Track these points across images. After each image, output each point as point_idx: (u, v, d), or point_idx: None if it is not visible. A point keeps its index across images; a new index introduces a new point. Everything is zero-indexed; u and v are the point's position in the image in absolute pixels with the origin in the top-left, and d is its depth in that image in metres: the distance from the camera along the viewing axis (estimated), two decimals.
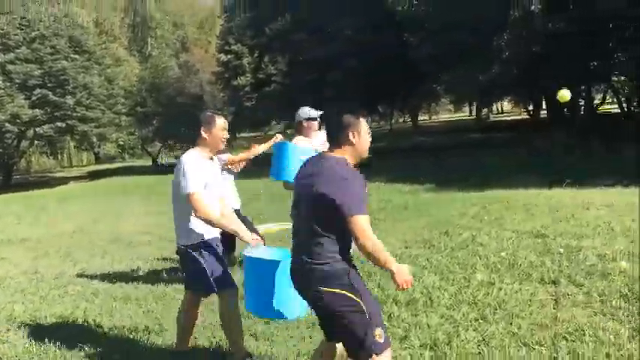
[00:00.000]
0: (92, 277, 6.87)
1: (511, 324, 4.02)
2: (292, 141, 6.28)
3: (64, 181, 30.21)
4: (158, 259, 7.65)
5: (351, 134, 2.88)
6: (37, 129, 24.77)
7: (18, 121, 23.34)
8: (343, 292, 2.78)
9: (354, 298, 2.79)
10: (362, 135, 2.90)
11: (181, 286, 4.82)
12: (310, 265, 2.81)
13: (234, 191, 6.44)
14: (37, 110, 23.97)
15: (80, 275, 7.04)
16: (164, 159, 35.73)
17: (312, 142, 6.21)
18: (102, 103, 26.77)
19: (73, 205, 16.96)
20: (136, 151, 41.46)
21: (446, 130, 34.59)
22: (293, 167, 5.09)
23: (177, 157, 5.67)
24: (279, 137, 5.98)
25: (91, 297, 5.94)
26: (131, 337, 4.59)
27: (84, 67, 25.63)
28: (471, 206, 8.90)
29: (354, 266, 2.87)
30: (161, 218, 10.90)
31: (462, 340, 3.83)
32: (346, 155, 2.89)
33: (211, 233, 3.76)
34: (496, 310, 4.31)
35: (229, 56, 29.31)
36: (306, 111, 6.21)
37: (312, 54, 22.37)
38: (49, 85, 24.25)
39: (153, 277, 6.56)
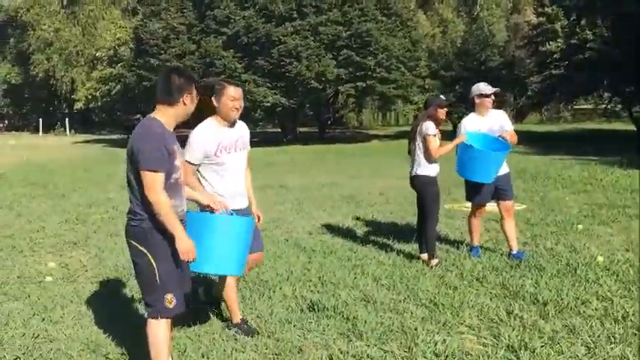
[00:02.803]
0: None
1: None
2: (463, 119, 5.97)
3: (370, 138, 32.85)
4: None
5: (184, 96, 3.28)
6: (340, 87, 27.15)
7: (323, 79, 25.96)
8: (141, 248, 3.22)
9: (150, 258, 3.20)
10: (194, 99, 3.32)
11: None
12: (127, 220, 3.29)
13: None
14: (341, 70, 26.32)
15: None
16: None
17: (485, 121, 5.77)
18: (403, 65, 27.92)
19: (351, 160, 18.46)
20: None
21: None
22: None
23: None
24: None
25: None
26: None
27: (388, 30, 27.01)
28: None
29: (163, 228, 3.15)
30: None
31: None
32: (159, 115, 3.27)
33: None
34: None
35: (541, 18, 27.50)
36: (480, 87, 5.80)
37: None
38: (353, 46, 26.31)
39: None
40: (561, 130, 32.51)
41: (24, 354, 3.91)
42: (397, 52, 27.20)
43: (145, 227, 3.21)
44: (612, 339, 3.79)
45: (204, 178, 4.05)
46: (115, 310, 4.70)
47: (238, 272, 3.74)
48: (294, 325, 4.23)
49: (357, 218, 8.38)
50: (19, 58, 50.36)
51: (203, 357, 3.79)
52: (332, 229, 7.70)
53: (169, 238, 3.19)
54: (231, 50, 26.63)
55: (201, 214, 3.73)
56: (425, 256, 5.78)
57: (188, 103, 3.31)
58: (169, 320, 3.33)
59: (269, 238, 7.19)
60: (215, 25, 27.10)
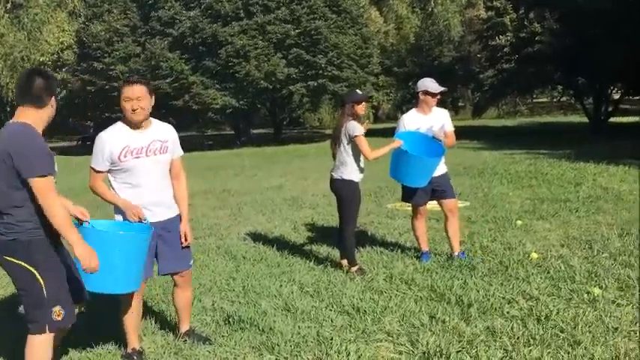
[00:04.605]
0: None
1: None
2: (404, 115, 5.87)
3: (327, 137, 32.75)
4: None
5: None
6: (291, 87, 27.02)
7: (273, 79, 25.79)
8: (22, 264, 3.04)
9: (34, 273, 3.05)
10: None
11: None
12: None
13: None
14: (292, 69, 26.20)
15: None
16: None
17: (426, 119, 5.67)
18: (354, 62, 27.94)
19: (304, 162, 18.32)
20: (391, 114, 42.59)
21: None
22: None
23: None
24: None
25: None
26: None
27: (338, 27, 27.00)
28: None
29: (46, 236, 3.06)
30: None
31: None
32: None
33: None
34: None
35: (490, 12, 27.89)
36: (427, 83, 5.69)
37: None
38: (303, 44, 26.22)
39: None
40: (517, 125, 33.02)
41: None
42: (348, 50, 27.22)
43: (23, 240, 3.04)
44: (532, 340, 3.72)
45: (113, 188, 3.76)
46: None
47: (123, 290, 3.51)
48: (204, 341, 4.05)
49: (296, 222, 8.23)
50: None
51: None
52: (267, 234, 7.54)
53: (54, 247, 3.10)
54: (178, 52, 26.28)
55: (82, 227, 3.37)
56: (345, 262, 5.63)
57: (54, 106, 3.21)
58: (51, 337, 3.14)
59: (200, 247, 7.00)
60: (160, 27, 26.71)
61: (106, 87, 26.30)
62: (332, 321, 4.28)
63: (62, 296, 3.14)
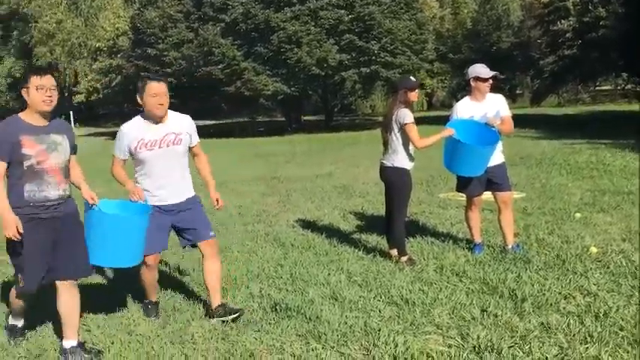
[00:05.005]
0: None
1: None
2: (457, 103, 5.75)
3: (378, 125, 32.48)
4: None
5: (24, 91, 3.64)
6: (343, 74, 26.90)
7: (325, 65, 25.73)
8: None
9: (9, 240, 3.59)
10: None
11: None
12: None
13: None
14: (344, 55, 26.08)
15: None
16: None
17: (480, 106, 5.54)
18: (408, 48, 27.60)
19: (355, 149, 18.25)
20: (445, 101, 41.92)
21: None
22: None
23: None
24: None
25: None
26: None
27: (392, 12, 26.69)
28: None
29: (31, 216, 3.57)
30: None
31: None
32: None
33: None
34: None
35: None
36: (477, 69, 5.56)
37: None
38: (356, 30, 26.04)
39: None
40: (578, 113, 32.01)
41: None
42: (402, 36, 26.89)
43: None
44: (589, 338, 3.60)
45: (135, 175, 4.26)
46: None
47: (125, 264, 4.08)
48: (252, 327, 4.09)
49: (345, 210, 8.21)
50: (23, 51, 50.58)
51: None
52: (316, 222, 7.54)
53: (32, 225, 3.58)
54: (230, 38, 26.47)
55: (88, 209, 3.92)
56: (395, 251, 5.58)
57: (25, 95, 3.67)
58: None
59: (249, 233, 7.08)
60: (213, 13, 26.97)
61: (160, 73, 26.75)
62: (380, 311, 4.25)
63: (24, 268, 3.65)
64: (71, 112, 45.53)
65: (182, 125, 4.24)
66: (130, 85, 34.16)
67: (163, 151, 4.12)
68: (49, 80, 3.61)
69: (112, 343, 3.91)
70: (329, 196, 9.54)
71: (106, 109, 50.16)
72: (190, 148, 4.31)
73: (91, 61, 45.57)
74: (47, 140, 3.64)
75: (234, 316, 4.15)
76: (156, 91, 4.04)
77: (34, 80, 3.58)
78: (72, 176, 3.85)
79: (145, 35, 28.88)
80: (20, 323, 4.15)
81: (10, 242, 3.60)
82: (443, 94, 43.74)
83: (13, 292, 3.96)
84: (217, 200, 4.41)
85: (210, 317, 4.26)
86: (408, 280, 4.91)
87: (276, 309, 4.41)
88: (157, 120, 4.13)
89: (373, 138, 22.94)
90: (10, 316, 4.17)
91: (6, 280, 5.40)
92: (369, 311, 4.26)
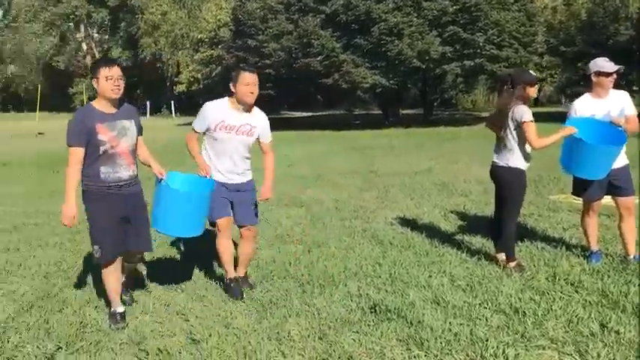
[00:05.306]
0: None
1: None
2: (575, 101, 5.37)
3: (479, 120, 31.68)
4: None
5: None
6: (445, 67, 26.27)
7: (427, 58, 25.21)
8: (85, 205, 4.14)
9: (88, 214, 4.14)
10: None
11: None
12: None
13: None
14: (447, 48, 25.45)
15: None
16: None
17: (602, 104, 5.14)
18: (516, 41, 26.56)
19: (454, 145, 17.78)
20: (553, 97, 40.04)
21: None
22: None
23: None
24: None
25: None
26: None
27: (500, 3, 25.74)
28: None
29: (100, 192, 4.06)
30: None
31: None
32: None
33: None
34: None
35: None
36: (599, 63, 5.15)
37: None
38: (460, 22, 25.35)
39: None
40: None
41: (67, 343, 3.92)
42: (510, 27, 25.88)
43: (82, 190, 4.13)
44: None
45: (205, 147, 4.71)
46: (168, 301, 4.65)
47: (182, 234, 4.66)
48: (350, 328, 3.97)
49: (446, 209, 7.94)
50: (129, 42, 53.20)
51: (245, 358, 3.62)
52: (415, 220, 7.33)
53: (100, 199, 4.08)
54: (330, 29, 26.46)
55: (159, 183, 4.41)
56: (502, 256, 5.27)
57: (95, 85, 4.07)
58: (108, 265, 4.20)
59: (346, 229, 6.98)
60: (313, 4, 27.03)
61: (259, 64, 27.20)
62: (487, 320, 4.02)
63: (100, 238, 4.10)
64: (172, 102, 47.43)
65: (259, 121, 4.70)
66: (229, 75, 35.15)
67: (237, 138, 4.60)
68: (116, 71, 4.02)
69: (210, 336, 3.92)
70: (428, 193, 9.28)
71: (205, 98, 51.80)
72: (261, 146, 4.83)
73: (192, 52, 47.13)
74: (118, 126, 4.10)
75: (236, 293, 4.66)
76: (248, 81, 4.48)
77: (103, 71, 4.00)
78: (140, 155, 4.37)
79: (246, 27, 29.40)
80: (120, 309, 4.28)
81: (90, 216, 4.11)
82: (550, 89, 41.86)
83: (104, 272, 4.28)
84: (266, 192, 4.86)
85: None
86: (517, 288, 4.62)
87: (375, 310, 4.27)
88: (246, 107, 4.58)
89: (474, 134, 22.35)
90: (112, 303, 4.30)
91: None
92: (475, 319, 4.04)
